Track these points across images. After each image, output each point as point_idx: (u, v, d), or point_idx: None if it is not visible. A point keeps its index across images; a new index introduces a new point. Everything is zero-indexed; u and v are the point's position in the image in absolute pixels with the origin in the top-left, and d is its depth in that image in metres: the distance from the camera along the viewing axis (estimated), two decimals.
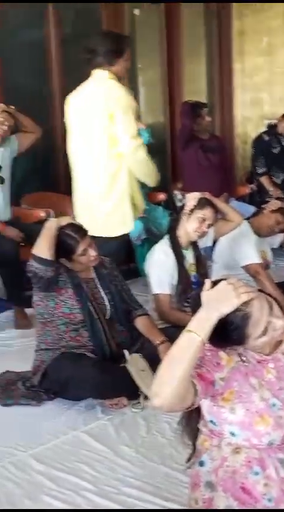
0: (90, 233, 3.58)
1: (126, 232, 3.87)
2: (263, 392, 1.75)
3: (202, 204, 3.52)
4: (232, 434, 1.74)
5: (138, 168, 3.74)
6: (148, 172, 3.81)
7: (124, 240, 3.88)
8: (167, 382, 1.57)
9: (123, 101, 3.60)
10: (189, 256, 3.57)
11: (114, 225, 3.80)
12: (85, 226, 3.65)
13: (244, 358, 1.79)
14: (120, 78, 3.69)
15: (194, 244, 3.61)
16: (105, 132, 3.62)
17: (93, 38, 3.75)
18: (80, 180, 3.88)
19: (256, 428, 1.72)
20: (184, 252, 3.55)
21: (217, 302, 1.61)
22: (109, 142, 3.63)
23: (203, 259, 3.64)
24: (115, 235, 3.82)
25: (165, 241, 3.56)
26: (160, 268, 3.49)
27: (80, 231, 3.14)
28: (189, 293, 3.48)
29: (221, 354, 1.77)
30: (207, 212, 3.52)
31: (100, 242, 3.44)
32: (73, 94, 3.83)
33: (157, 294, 3.50)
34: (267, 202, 4.45)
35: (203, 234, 3.56)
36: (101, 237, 3.65)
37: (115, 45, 3.66)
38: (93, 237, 3.22)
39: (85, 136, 3.72)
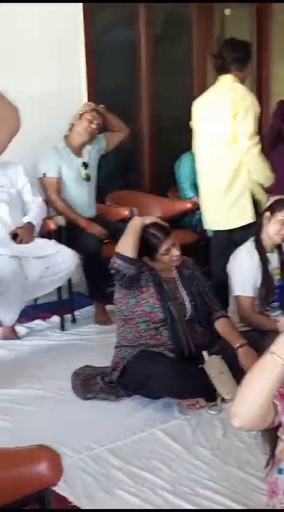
0: (214, 227, 3.86)
1: (243, 224, 3.93)
2: None
3: (282, 205, 3.47)
4: None
5: (251, 165, 3.87)
6: (261, 170, 3.91)
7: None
8: (247, 403, 1.54)
9: (246, 103, 3.81)
10: (274, 260, 3.52)
11: (233, 218, 3.94)
12: (211, 220, 3.96)
13: None
14: (243, 82, 3.96)
15: (279, 248, 3.55)
16: (229, 130, 3.82)
17: (223, 46, 4.02)
18: (205, 178, 4.05)
19: None
20: (269, 255, 3.50)
21: None
22: (232, 140, 3.84)
23: None
24: (233, 228, 3.97)
25: (250, 243, 3.53)
26: (244, 270, 3.45)
27: (164, 230, 3.15)
28: (271, 297, 3.43)
29: None
30: None
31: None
32: (200, 99, 4.10)
33: (239, 295, 3.47)
34: None
35: None
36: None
37: (244, 53, 3.95)
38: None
39: (212, 136, 3.92)
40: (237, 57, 3.89)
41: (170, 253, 3.14)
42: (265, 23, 5.94)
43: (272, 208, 3.47)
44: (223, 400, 3.00)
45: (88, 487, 2.41)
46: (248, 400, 1.54)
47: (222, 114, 3.81)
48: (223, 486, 2.37)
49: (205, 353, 3.09)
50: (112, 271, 3.10)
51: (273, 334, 2.15)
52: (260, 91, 5.99)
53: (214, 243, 4.16)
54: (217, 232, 4.10)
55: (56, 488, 1.78)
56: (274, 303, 3.47)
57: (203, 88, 5.57)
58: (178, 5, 5.42)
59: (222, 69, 3.91)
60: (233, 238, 3.90)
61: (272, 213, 3.46)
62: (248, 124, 3.79)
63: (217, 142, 3.88)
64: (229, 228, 3.97)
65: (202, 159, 4.06)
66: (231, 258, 3.60)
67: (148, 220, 3.18)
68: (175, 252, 3.15)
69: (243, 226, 3.88)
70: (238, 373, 3.10)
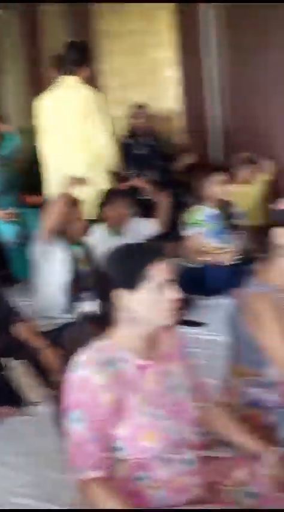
0: None
1: None
2: None
3: None
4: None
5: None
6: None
7: None
8: None
9: (94, 102, 3.99)
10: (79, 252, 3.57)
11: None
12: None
13: None
14: (86, 82, 4.11)
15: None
16: (78, 129, 3.96)
17: (64, 48, 4.16)
18: (59, 172, 4.02)
19: None
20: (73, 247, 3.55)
21: None
22: (83, 138, 3.98)
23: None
24: None
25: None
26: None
27: None
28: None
29: None
30: None
31: None
32: (44, 97, 4.18)
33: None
34: None
35: None
36: None
37: (82, 54, 4.10)
38: None
39: (60, 134, 4.03)
40: (76, 58, 4.05)
41: None
42: (32, 27, 5.97)
43: None
44: (32, 404, 2.92)
45: None
46: None
47: (70, 113, 3.95)
48: (37, 490, 2.29)
49: (6, 359, 2.99)
50: None
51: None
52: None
53: None
54: None
55: None
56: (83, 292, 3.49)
57: None
58: None
59: (64, 70, 4.07)
60: None
61: None
62: (103, 120, 3.97)
63: (66, 139, 4.01)
64: None
65: (54, 155, 4.11)
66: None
67: None
68: None
69: None
70: (43, 375, 3.05)
